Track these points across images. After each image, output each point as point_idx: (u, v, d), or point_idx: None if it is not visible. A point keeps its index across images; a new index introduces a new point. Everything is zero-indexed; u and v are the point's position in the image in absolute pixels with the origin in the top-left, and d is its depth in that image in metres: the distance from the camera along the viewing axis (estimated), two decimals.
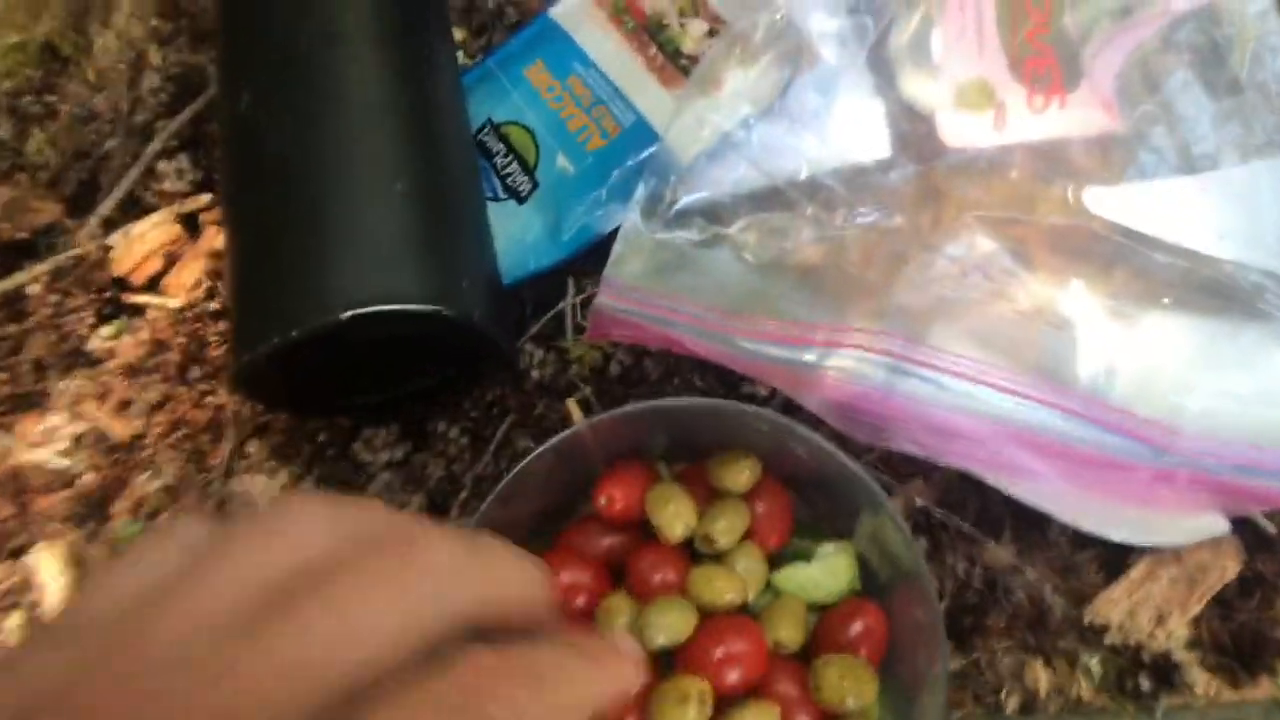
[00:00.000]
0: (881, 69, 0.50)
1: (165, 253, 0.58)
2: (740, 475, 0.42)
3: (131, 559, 0.20)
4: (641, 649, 0.27)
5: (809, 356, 0.40)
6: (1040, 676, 0.44)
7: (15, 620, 0.52)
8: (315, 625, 0.18)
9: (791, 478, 0.44)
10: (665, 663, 0.40)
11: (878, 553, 0.43)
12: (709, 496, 0.43)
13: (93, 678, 0.17)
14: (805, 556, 0.43)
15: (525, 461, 0.40)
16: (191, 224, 0.59)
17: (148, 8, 0.67)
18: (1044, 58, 0.51)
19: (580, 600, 0.41)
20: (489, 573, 0.22)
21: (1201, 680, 0.44)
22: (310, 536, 0.20)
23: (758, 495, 0.43)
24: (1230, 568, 0.45)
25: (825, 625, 0.41)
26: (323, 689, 0.18)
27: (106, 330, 0.58)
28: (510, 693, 0.19)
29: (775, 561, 0.43)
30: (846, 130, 0.48)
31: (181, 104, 0.63)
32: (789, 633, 0.40)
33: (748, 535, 0.42)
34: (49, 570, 0.53)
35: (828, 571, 0.42)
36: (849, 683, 0.38)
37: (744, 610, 0.41)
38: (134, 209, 0.61)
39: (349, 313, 0.38)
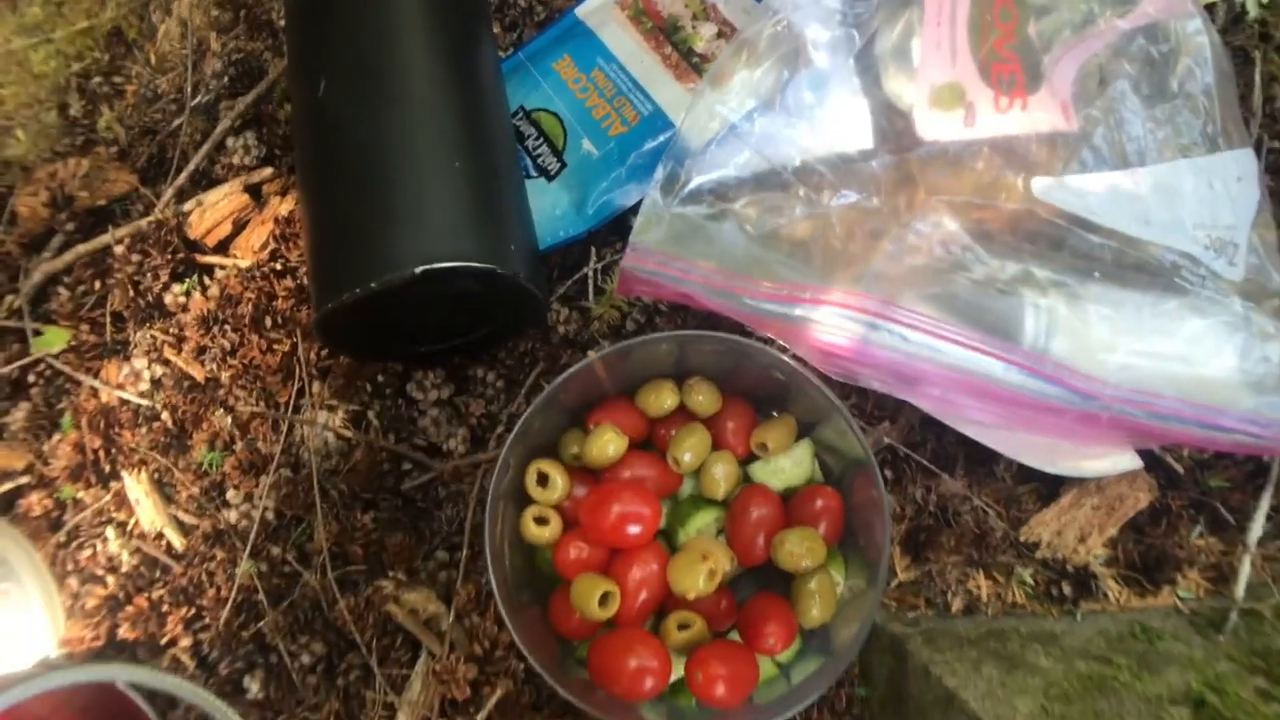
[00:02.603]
0: (868, 71, 0.58)
1: (234, 219, 0.66)
2: (699, 399, 0.53)
3: None
4: None
5: (798, 312, 0.49)
6: (982, 585, 0.53)
7: (110, 533, 0.60)
8: None
9: (759, 394, 0.54)
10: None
11: (832, 451, 0.52)
12: (686, 418, 0.53)
13: None
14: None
15: (551, 386, 0.49)
16: (256, 194, 0.67)
17: None
18: (1009, 64, 0.59)
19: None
20: None
21: (1114, 590, 0.53)
22: None
23: (725, 413, 0.53)
24: (1143, 498, 0.53)
25: (792, 506, 0.51)
26: None
27: (179, 287, 0.65)
28: None
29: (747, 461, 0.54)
30: (835, 124, 0.56)
31: (243, 87, 0.71)
32: None
33: (719, 446, 0.53)
34: (135, 493, 0.61)
35: (793, 463, 0.51)
36: (803, 548, 0.48)
37: None
38: (203, 181, 0.68)
39: (421, 268, 0.46)
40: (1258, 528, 0.54)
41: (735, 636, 0.50)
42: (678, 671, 0.48)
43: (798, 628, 0.48)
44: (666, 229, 0.51)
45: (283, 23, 0.71)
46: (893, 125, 0.57)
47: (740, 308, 0.49)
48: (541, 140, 0.63)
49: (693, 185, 0.52)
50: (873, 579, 0.46)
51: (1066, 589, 0.53)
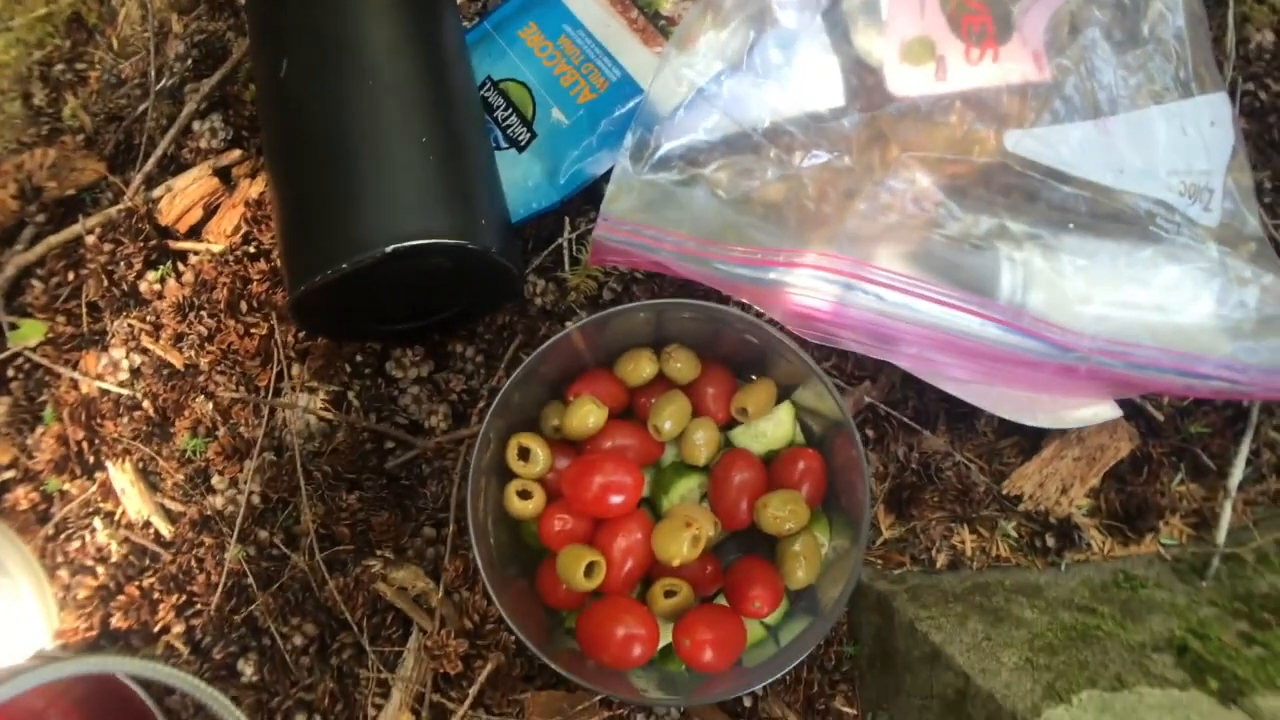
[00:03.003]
0: (836, 28, 0.57)
1: (205, 204, 0.65)
2: (678, 366, 0.53)
3: None
4: None
5: (773, 275, 0.48)
6: (966, 539, 0.54)
7: (98, 524, 0.60)
8: None
9: (738, 360, 0.54)
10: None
11: (812, 413, 0.53)
12: (665, 386, 0.54)
13: None
14: None
15: (529, 359, 0.48)
16: (225, 177, 0.66)
17: None
18: (979, 15, 0.58)
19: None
20: None
21: (1097, 540, 0.53)
22: None
23: (705, 380, 0.53)
24: (1124, 448, 0.54)
25: (774, 470, 0.51)
26: None
27: (153, 275, 0.65)
28: None
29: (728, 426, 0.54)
30: (805, 83, 0.55)
31: (207, 69, 0.69)
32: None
33: (699, 413, 0.53)
34: (121, 483, 0.61)
35: (774, 426, 0.51)
36: (786, 510, 0.48)
37: None
38: (171, 166, 0.68)
39: (391, 247, 0.46)
40: (1238, 472, 0.54)
41: (722, 601, 0.51)
42: (666, 638, 0.49)
43: (783, 590, 0.49)
44: (638, 197, 0.50)
45: (244, 1, 0.70)
46: (863, 82, 0.56)
47: (714, 273, 0.49)
48: (510, 111, 0.62)
49: (663, 151, 0.52)
50: (856, 538, 0.47)
51: (1050, 540, 0.53)
